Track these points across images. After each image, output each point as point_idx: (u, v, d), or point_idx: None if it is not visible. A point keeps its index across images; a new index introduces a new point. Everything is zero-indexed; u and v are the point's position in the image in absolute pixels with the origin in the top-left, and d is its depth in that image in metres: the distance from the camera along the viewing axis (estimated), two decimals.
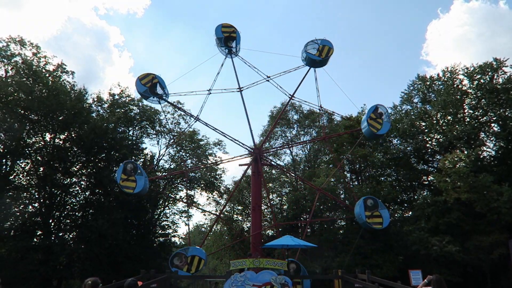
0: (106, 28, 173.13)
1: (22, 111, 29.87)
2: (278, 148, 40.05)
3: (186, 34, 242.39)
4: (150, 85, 21.33)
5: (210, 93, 22.93)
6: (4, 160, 30.19)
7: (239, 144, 23.27)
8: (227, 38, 23.17)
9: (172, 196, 39.81)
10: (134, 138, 37.74)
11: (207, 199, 41.69)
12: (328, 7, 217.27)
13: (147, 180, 20.06)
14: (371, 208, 18.86)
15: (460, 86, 33.58)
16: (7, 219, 28.74)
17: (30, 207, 31.63)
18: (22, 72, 30.36)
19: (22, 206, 30.74)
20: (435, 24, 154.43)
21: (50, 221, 31.43)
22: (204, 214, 40.84)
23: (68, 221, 33.27)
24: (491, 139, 32.56)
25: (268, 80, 23.44)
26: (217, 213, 38.82)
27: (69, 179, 33.62)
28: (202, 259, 18.41)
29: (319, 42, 22.23)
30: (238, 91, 23.27)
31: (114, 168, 35.80)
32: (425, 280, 8.78)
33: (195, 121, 23.03)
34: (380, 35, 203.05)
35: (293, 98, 23.83)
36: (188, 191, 39.92)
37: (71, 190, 33.93)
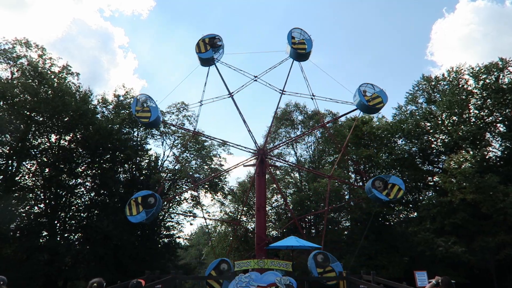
0: (110, 29, 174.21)
1: (28, 113, 30.04)
2: (282, 144, 39.89)
3: (190, 35, 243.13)
4: (141, 108, 21.43)
5: (202, 104, 23.04)
6: (10, 161, 30.35)
7: (241, 149, 23.30)
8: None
9: (176, 197, 39.82)
10: (138, 139, 37.83)
11: (211, 200, 41.69)
12: (333, 6, 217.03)
13: (148, 220, 19.72)
14: (383, 187, 18.77)
15: (465, 86, 33.43)
16: (13, 219, 28.89)
17: (36, 208, 31.81)
18: (27, 74, 30.55)
19: (28, 207, 30.89)
20: (441, 24, 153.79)
21: (56, 222, 31.57)
22: (208, 215, 40.63)
23: (73, 222, 33.41)
24: (497, 139, 32.35)
25: (255, 80, 23.40)
26: (225, 218, 38.91)
27: (74, 180, 33.77)
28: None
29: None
30: (229, 97, 23.27)
31: (119, 169, 35.96)
32: (433, 280, 8.71)
33: (193, 135, 23.18)
34: (385, 35, 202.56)
35: (284, 93, 23.72)
36: (193, 192, 39.95)
37: (76, 191, 34.06)
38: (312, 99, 23.43)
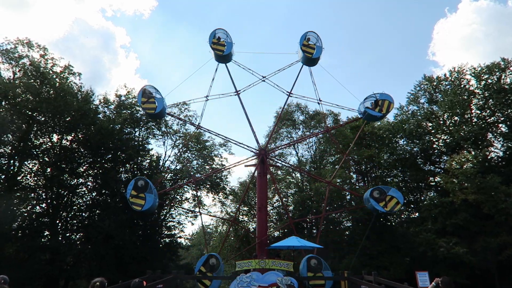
0: (112, 29, 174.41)
1: (30, 112, 30.10)
2: (283, 146, 39.93)
3: (192, 34, 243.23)
4: (147, 100, 21.42)
5: (208, 99, 23.04)
6: (12, 161, 30.44)
7: (243, 147, 23.30)
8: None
9: (178, 198, 39.88)
10: (140, 139, 37.90)
11: (213, 200, 41.73)
12: (334, 6, 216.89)
13: (157, 199, 20.12)
14: (381, 198, 18.79)
15: (467, 86, 33.36)
16: (15, 219, 28.94)
17: (38, 207, 31.87)
18: (29, 74, 30.63)
19: (29, 206, 30.96)
20: (443, 24, 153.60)
21: (57, 221, 31.62)
22: (209, 215, 40.71)
23: (75, 221, 33.46)
24: (499, 139, 32.26)
25: (264, 80, 23.42)
26: (227, 218, 38.89)
27: (76, 180, 33.82)
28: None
29: (378, 96, 21.29)
30: (235, 95, 23.30)
31: (121, 169, 35.98)
32: (433, 283, 8.70)
33: (197, 130, 23.10)
34: (387, 35, 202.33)
35: (291, 95, 23.74)
36: (194, 192, 39.98)
37: (78, 190, 34.12)
38: (318, 103, 23.53)
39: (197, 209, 40.62)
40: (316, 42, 22.35)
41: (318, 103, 23.50)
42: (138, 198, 19.42)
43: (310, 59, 22.45)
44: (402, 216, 35.91)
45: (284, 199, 40.28)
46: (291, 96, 23.69)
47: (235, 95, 23.23)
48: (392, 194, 18.94)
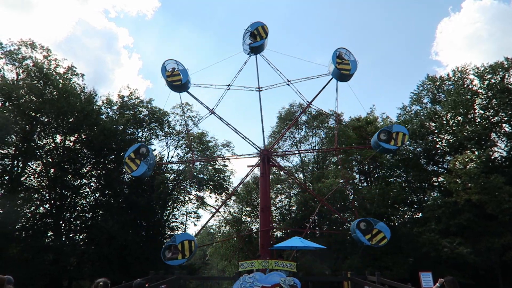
0: (115, 29, 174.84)
1: (33, 113, 30.24)
2: (287, 152, 39.97)
3: (195, 35, 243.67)
4: (171, 73, 21.49)
5: (230, 89, 23.04)
6: (15, 162, 30.57)
7: (249, 143, 23.24)
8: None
9: (181, 197, 39.96)
10: (143, 139, 38.00)
11: (215, 201, 41.80)
12: (336, 5, 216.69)
13: (150, 170, 20.39)
14: (368, 230, 18.63)
15: (470, 86, 33.23)
16: (19, 220, 29.08)
17: (41, 208, 32.01)
18: (33, 75, 30.78)
19: (33, 207, 31.12)
20: (446, 23, 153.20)
21: (61, 222, 31.75)
22: (212, 214, 40.77)
23: (78, 222, 33.59)
24: (503, 139, 32.10)
25: (288, 84, 23.35)
26: (229, 218, 38.92)
27: (79, 181, 33.96)
28: (192, 241, 18.32)
29: (392, 129, 20.79)
30: (257, 91, 23.20)
31: (124, 170, 36.10)
32: (437, 283, 8.69)
33: (210, 114, 22.97)
34: (389, 34, 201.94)
35: (311, 105, 23.75)
36: (197, 192, 40.07)
37: (81, 191, 34.25)
38: (288, 85, 23.32)
39: (199, 211, 40.77)
40: (349, 57, 21.94)
41: (288, 85, 23.29)
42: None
43: (346, 75, 22.05)
44: (406, 217, 35.80)
45: (287, 199, 40.29)
46: (310, 107, 23.69)
47: (257, 91, 23.14)
48: (379, 228, 18.57)
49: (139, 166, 19.57)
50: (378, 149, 20.48)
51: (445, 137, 34.33)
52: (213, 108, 22.98)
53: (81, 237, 33.67)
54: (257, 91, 23.20)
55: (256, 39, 22.19)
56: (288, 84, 23.36)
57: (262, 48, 22.80)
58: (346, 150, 33.68)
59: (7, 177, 29.44)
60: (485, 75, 31.99)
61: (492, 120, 32.09)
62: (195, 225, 49.88)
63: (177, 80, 21.04)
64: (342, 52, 21.90)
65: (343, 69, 21.68)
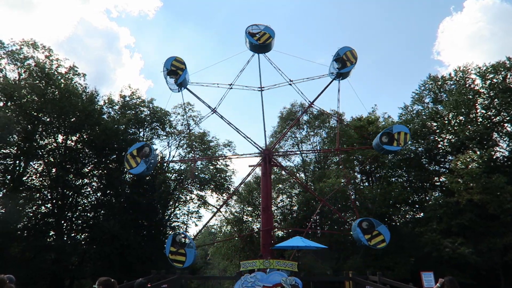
0: (116, 29, 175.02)
1: (35, 113, 30.30)
2: (289, 152, 39.96)
3: (196, 34, 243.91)
4: (174, 70, 21.30)
5: (232, 88, 22.97)
6: (17, 162, 30.65)
7: (251, 142, 23.16)
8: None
9: (182, 197, 39.96)
10: (144, 139, 38.04)
11: (217, 201, 41.81)
12: (337, 5, 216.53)
13: (149, 170, 20.20)
14: (368, 230, 18.64)
15: (472, 86, 33.17)
16: (21, 219, 29.14)
17: (43, 207, 32.07)
18: (35, 75, 30.83)
19: (35, 206, 31.17)
20: (448, 22, 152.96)
21: (62, 221, 31.80)
22: (213, 214, 40.77)
23: (80, 221, 33.65)
24: (504, 139, 32.04)
25: (290, 84, 23.33)
26: (231, 218, 38.90)
27: (80, 180, 34.00)
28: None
29: (392, 130, 20.62)
30: (259, 90, 23.14)
31: (125, 169, 36.13)
32: (438, 283, 8.69)
33: (212, 113, 22.91)
34: (391, 34, 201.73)
35: (312, 105, 23.74)
36: (199, 192, 40.08)
37: (83, 191, 34.30)
38: (290, 85, 23.21)
39: (201, 210, 40.77)
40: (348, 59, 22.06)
41: (290, 84, 23.25)
42: (133, 159, 19.59)
43: (340, 73, 22.11)
44: (407, 216, 35.78)
45: (288, 199, 40.27)
46: (312, 107, 23.63)
47: (259, 90, 23.01)
48: (380, 230, 18.57)
49: (139, 165, 19.49)
50: (381, 151, 20.38)
51: (447, 137, 34.28)
52: (215, 107, 22.88)
53: (82, 236, 33.71)
54: (259, 90, 23.15)
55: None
56: (290, 84, 23.32)
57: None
58: (348, 150, 33.66)
59: (9, 176, 29.51)
60: (487, 74, 31.93)
61: (494, 120, 32.03)
62: (196, 225, 49.81)
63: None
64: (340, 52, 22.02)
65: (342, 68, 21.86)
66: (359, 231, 18.46)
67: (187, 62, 21.66)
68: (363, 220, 18.99)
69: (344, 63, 21.89)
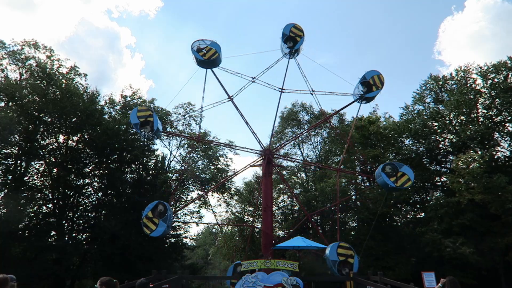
0: (117, 29, 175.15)
1: (36, 113, 30.31)
2: (286, 143, 39.88)
3: (197, 34, 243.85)
4: (144, 120, 21.25)
5: (203, 111, 23.65)
6: (19, 162, 30.67)
7: (247, 151, 23.45)
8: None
9: (183, 197, 39.98)
10: (145, 139, 38.02)
11: (218, 200, 41.84)
12: (338, 4, 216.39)
13: (169, 228, 19.63)
14: (393, 173, 18.79)
15: (473, 86, 33.12)
16: (22, 219, 29.14)
17: (44, 207, 32.09)
18: (36, 75, 30.85)
19: (36, 206, 31.19)
20: (449, 22, 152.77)
21: (64, 221, 31.81)
22: (214, 215, 40.83)
23: (81, 221, 33.66)
24: (506, 139, 32.00)
25: (253, 81, 23.40)
26: (232, 218, 38.90)
27: (82, 180, 34.02)
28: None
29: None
30: (279, 91, 23.33)
31: (126, 169, 36.16)
32: (439, 284, 8.68)
33: (229, 100, 23.03)
34: (392, 34, 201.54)
35: (283, 91, 23.69)
36: (199, 192, 40.07)
37: (84, 191, 34.30)
38: (311, 94, 23.45)
39: (202, 210, 40.77)
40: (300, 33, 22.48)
41: (311, 94, 23.52)
42: (151, 222, 18.81)
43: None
44: (408, 216, 35.75)
45: (289, 199, 40.27)
46: (283, 92, 23.70)
47: (229, 101, 23.12)
48: (404, 171, 18.84)
49: (158, 226, 18.57)
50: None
51: (448, 137, 34.24)
52: (232, 96, 23.05)
53: (84, 236, 33.73)
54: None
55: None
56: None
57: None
58: (348, 148, 33.58)
59: (10, 176, 29.53)
60: (488, 74, 31.89)
61: (495, 119, 31.99)
62: (197, 225, 49.85)
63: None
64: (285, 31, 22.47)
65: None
66: (384, 175, 18.59)
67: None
68: (386, 164, 19.27)
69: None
